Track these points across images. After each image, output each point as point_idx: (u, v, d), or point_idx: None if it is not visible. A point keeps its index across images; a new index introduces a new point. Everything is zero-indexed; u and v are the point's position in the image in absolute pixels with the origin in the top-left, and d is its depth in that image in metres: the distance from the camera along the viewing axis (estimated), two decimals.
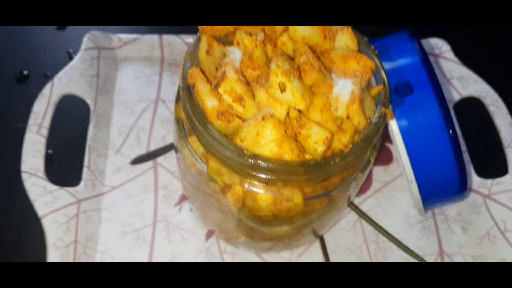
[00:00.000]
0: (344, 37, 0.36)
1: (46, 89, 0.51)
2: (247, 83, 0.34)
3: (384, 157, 0.55)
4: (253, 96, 0.34)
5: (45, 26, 0.64)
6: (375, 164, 0.55)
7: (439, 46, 0.61)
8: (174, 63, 0.60)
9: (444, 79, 0.59)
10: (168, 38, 0.59)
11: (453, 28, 0.69)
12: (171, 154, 0.53)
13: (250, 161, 0.32)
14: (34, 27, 0.64)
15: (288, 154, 0.32)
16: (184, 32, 0.59)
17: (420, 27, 0.67)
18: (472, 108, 0.57)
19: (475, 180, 0.52)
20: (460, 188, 0.41)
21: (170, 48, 0.59)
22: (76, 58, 0.54)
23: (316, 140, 0.32)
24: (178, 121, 0.39)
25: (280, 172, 0.33)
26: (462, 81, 0.58)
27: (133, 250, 0.47)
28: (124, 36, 0.58)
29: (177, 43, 0.59)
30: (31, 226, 0.47)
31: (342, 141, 0.34)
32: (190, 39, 0.59)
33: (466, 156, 0.54)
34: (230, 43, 0.38)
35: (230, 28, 0.36)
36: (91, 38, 0.56)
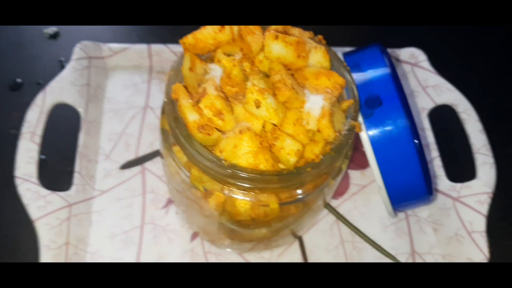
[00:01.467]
0: (317, 55, 0.39)
1: (39, 98, 0.53)
2: (226, 99, 0.37)
3: (361, 161, 0.58)
4: (232, 111, 0.37)
5: (38, 35, 0.66)
6: (352, 168, 0.58)
7: (415, 55, 0.64)
8: (163, 71, 0.62)
9: (420, 87, 0.62)
10: (157, 47, 0.61)
11: (429, 38, 0.72)
12: (159, 159, 0.56)
13: (228, 170, 0.35)
14: (27, 36, 0.66)
15: (263, 164, 0.35)
16: (172, 42, 0.62)
17: (398, 37, 0.70)
18: (445, 115, 0.59)
19: (446, 184, 0.55)
20: (426, 193, 0.44)
21: (159, 57, 0.62)
22: (68, 68, 0.57)
23: (288, 152, 0.35)
24: (163, 131, 0.41)
25: (257, 181, 0.36)
26: (436, 90, 0.61)
27: (122, 251, 0.50)
28: (114, 46, 0.61)
29: (165, 52, 0.61)
30: (24, 229, 0.49)
31: (314, 152, 0.37)
32: (178, 48, 0.61)
33: (438, 161, 0.57)
34: (212, 59, 0.40)
35: (211, 46, 0.39)
36: (82, 48, 0.59)
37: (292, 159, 0.35)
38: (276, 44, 0.36)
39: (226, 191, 0.38)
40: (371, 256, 0.52)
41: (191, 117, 0.36)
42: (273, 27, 0.40)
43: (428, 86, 0.61)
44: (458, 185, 0.54)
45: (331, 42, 0.43)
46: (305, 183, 0.38)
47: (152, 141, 0.57)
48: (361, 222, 0.54)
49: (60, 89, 0.55)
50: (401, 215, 0.55)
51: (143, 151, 0.56)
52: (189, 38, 0.39)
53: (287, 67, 0.38)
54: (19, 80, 0.62)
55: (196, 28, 0.39)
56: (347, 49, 0.60)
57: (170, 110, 0.37)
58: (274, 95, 0.36)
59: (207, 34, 0.38)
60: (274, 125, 0.36)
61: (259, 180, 0.36)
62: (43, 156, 0.54)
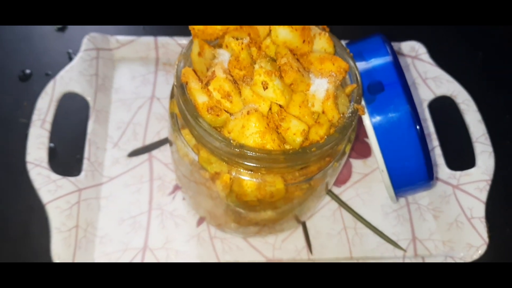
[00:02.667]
0: (321, 41, 0.40)
1: (49, 87, 0.54)
2: (234, 82, 0.38)
3: (363, 151, 0.60)
4: (239, 93, 0.38)
5: (47, 28, 0.67)
6: (354, 157, 0.59)
7: (416, 49, 0.65)
8: (169, 63, 0.64)
9: (420, 79, 0.63)
10: (163, 39, 0.63)
11: (429, 32, 0.73)
12: (165, 147, 0.57)
13: (236, 150, 0.36)
14: (36, 29, 0.67)
15: (270, 144, 0.37)
16: (177, 34, 0.63)
17: (399, 31, 0.71)
18: (445, 106, 0.61)
19: (446, 172, 0.56)
20: (427, 178, 0.45)
21: (165, 49, 0.63)
22: (77, 58, 0.58)
23: (295, 132, 0.36)
24: (172, 115, 0.43)
25: (263, 160, 0.37)
26: (436, 81, 0.62)
27: (130, 235, 0.51)
28: (122, 38, 0.62)
29: (171, 45, 0.63)
30: (35, 213, 0.51)
31: (319, 133, 0.38)
32: (183, 40, 0.63)
33: (438, 150, 0.59)
34: (220, 46, 0.42)
35: (219, 32, 0.40)
36: (90, 39, 0.60)
37: (298, 139, 0.36)
38: (282, 29, 0.38)
39: (233, 172, 0.40)
40: (373, 242, 0.53)
41: (200, 99, 0.37)
42: None
43: (428, 78, 0.63)
44: (458, 173, 0.56)
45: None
46: (309, 164, 0.40)
47: (159, 130, 0.58)
48: (363, 209, 0.55)
49: (69, 79, 0.56)
50: (402, 202, 0.56)
51: (150, 139, 0.57)
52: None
53: (292, 52, 0.39)
54: (28, 71, 0.63)
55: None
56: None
57: (180, 93, 0.39)
58: (281, 77, 0.37)
59: None
60: (281, 106, 0.37)
61: (266, 160, 0.37)
62: (52, 144, 0.55)
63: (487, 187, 0.53)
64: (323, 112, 0.38)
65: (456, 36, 0.74)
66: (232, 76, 0.38)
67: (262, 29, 0.38)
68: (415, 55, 0.65)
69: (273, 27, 0.38)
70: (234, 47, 0.37)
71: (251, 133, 0.36)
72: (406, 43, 0.66)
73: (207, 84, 0.38)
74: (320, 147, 0.37)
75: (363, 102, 0.43)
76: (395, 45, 0.66)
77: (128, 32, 0.67)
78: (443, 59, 0.64)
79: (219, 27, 0.40)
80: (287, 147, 0.38)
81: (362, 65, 0.45)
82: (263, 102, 0.37)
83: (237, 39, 0.38)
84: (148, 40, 0.63)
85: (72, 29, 0.68)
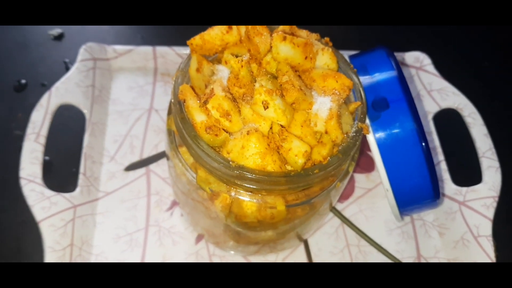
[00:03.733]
0: (324, 57, 0.39)
1: (44, 99, 0.53)
2: (234, 100, 0.36)
3: (366, 164, 0.58)
4: (239, 111, 0.36)
5: (43, 37, 0.66)
6: (357, 171, 0.58)
7: (420, 59, 0.64)
8: (167, 73, 0.62)
9: (425, 91, 0.62)
10: (161, 49, 0.61)
11: (434, 42, 0.72)
12: (163, 161, 0.56)
13: (235, 172, 0.35)
14: (32, 37, 0.66)
15: (271, 165, 0.35)
16: (176, 44, 0.62)
17: (403, 40, 0.70)
18: (450, 119, 0.60)
19: (451, 188, 0.55)
20: (433, 197, 0.43)
21: (163, 59, 0.62)
22: (73, 69, 0.57)
23: (296, 153, 0.35)
24: (169, 132, 0.41)
25: (264, 182, 0.36)
26: (441, 93, 0.61)
27: (126, 253, 0.49)
28: (119, 48, 0.61)
29: (170, 55, 0.61)
30: (28, 230, 0.49)
31: (321, 154, 0.36)
32: (182, 50, 0.61)
33: (443, 165, 0.57)
34: (219, 61, 0.40)
35: (218, 47, 0.39)
36: (87, 49, 0.59)
37: (300, 161, 0.35)
38: (284, 46, 0.36)
39: (232, 193, 0.38)
40: (377, 260, 0.52)
41: (198, 117, 0.36)
42: (281, 28, 0.40)
43: (433, 90, 0.61)
44: (464, 189, 0.54)
45: (336, 45, 0.43)
46: (312, 185, 0.38)
47: (157, 143, 0.57)
48: (366, 225, 0.54)
49: (65, 90, 0.55)
50: (407, 218, 0.55)
51: (148, 153, 0.56)
52: (196, 39, 0.38)
53: (294, 69, 0.38)
54: (23, 81, 0.62)
55: (200, 28, 0.39)
56: (352, 52, 0.60)
57: (177, 111, 0.37)
58: (282, 96, 0.35)
59: (215, 35, 0.38)
60: (282, 126, 0.36)
61: (266, 182, 0.35)
62: (47, 157, 0.54)
63: (494, 204, 0.52)
64: (326, 132, 0.37)
65: (462, 47, 0.73)
66: (231, 94, 0.37)
67: (263, 45, 0.37)
68: (420, 66, 0.63)
69: (274, 43, 0.36)
70: (234, 65, 0.36)
71: (251, 154, 0.35)
72: (410, 53, 0.64)
73: (205, 102, 0.36)
74: (323, 168, 0.36)
75: (367, 120, 0.41)
76: (399, 55, 0.64)
77: (125, 41, 0.66)
78: (449, 70, 0.63)
79: (218, 42, 0.38)
80: (289, 168, 0.36)
81: (366, 79, 0.44)
82: (264, 121, 0.36)
83: (236, 56, 0.37)
84: (146, 50, 0.61)
85: (69, 37, 0.66)
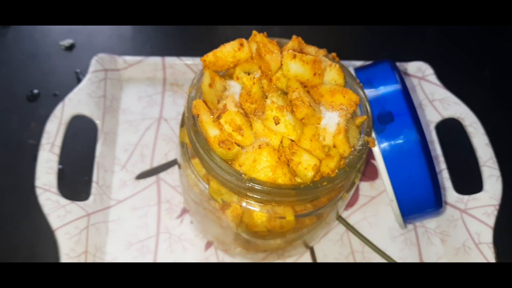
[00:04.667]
0: (332, 73, 0.41)
1: (58, 110, 0.55)
2: (246, 115, 0.38)
3: (370, 173, 0.60)
4: (251, 126, 0.38)
5: (54, 47, 0.68)
6: (362, 180, 0.59)
7: (422, 69, 0.65)
8: (176, 83, 0.64)
9: (427, 101, 0.63)
10: (170, 60, 0.63)
11: (437, 52, 0.74)
12: (173, 169, 0.57)
13: (247, 184, 0.37)
14: (43, 47, 0.67)
15: (281, 178, 0.37)
16: (185, 55, 0.63)
17: (406, 51, 0.72)
18: (452, 128, 0.61)
19: (453, 196, 0.56)
20: (436, 206, 0.45)
21: (172, 70, 0.63)
22: (85, 80, 0.58)
23: (306, 166, 0.37)
24: (182, 145, 0.43)
25: (274, 194, 0.37)
26: (443, 103, 0.62)
27: (138, 259, 0.51)
28: (129, 58, 0.62)
29: (179, 65, 0.63)
30: (43, 238, 0.51)
31: (330, 166, 0.38)
32: (190, 61, 0.63)
33: (445, 173, 0.59)
34: (230, 76, 0.42)
35: (230, 64, 0.40)
36: (98, 60, 0.60)
37: (310, 174, 0.36)
38: (294, 63, 0.38)
39: (243, 203, 0.40)
40: None
41: (212, 132, 0.37)
42: (290, 45, 0.42)
43: (435, 100, 0.63)
44: (465, 197, 0.56)
45: (341, 55, 0.45)
46: (320, 197, 0.40)
47: (167, 151, 0.58)
48: (370, 232, 0.55)
49: (77, 101, 0.56)
50: (410, 226, 0.56)
51: (158, 161, 0.58)
52: (209, 56, 0.40)
53: (303, 85, 0.39)
54: (36, 91, 0.63)
55: (208, 41, 0.41)
56: (357, 62, 0.62)
57: (191, 124, 0.39)
58: (292, 112, 0.37)
59: (227, 52, 0.40)
60: (292, 140, 0.37)
61: (276, 194, 0.37)
62: (60, 166, 0.55)
63: (495, 212, 0.53)
64: (334, 146, 0.38)
65: (464, 57, 0.74)
66: (243, 109, 0.38)
67: (274, 62, 0.38)
68: (422, 76, 0.65)
69: (284, 61, 0.38)
70: (246, 83, 0.37)
71: (262, 167, 0.37)
72: (413, 63, 0.66)
73: (218, 117, 0.38)
74: (331, 181, 0.37)
75: (373, 134, 0.43)
76: (401, 65, 0.66)
77: (134, 51, 0.67)
78: (451, 80, 0.64)
79: (230, 59, 0.40)
80: (298, 180, 0.38)
81: (371, 93, 0.45)
82: (275, 136, 0.37)
83: (248, 73, 0.39)
84: (156, 60, 0.63)
85: (79, 48, 0.68)
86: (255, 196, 0.38)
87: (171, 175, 0.57)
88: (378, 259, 0.54)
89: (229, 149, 0.37)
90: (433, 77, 0.64)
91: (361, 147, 0.40)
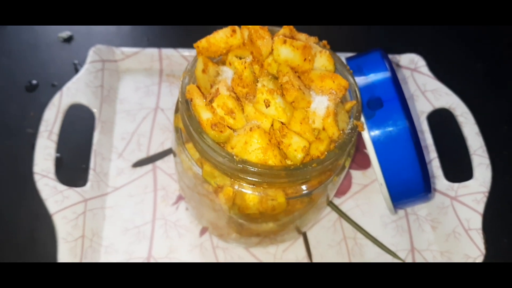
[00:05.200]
0: (322, 59, 0.42)
1: (56, 99, 0.56)
2: (237, 99, 0.39)
3: (363, 162, 0.61)
4: (242, 110, 0.39)
5: (52, 38, 0.69)
6: (354, 168, 0.60)
7: (415, 61, 0.66)
8: (172, 74, 0.65)
9: (419, 92, 0.64)
10: (167, 51, 0.64)
11: (428, 44, 0.75)
12: (169, 158, 0.58)
13: (239, 165, 0.38)
14: (42, 39, 0.69)
15: (272, 160, 0.38)
16: (181, 46, 0.64)
17: (399, 44, 0.73)
18: (443, 118, 0.62)
19: (444, 184, 0.57)
20: (424, 191, 0.46)
21: (169, 61, 0.64)
22: (83, 70, 0.59)
23: (296, 148, 0.38)
24: (176, 130, 0.44)
25: (265, 175, 0.38)
26: (435, 94, 0.63)
27: (134, 245, 0.52)
28: (126, 50, 0.64)
29: (175, 56, 0.64)
30: (42, 223, 0.52)
31: (319, 149, 0.39)
32: (186, 52, 0.64)
33: (436, 162, 0.60)
34: (223, 62, 0.43)
35: (223, 50, 0.41)
36: (96, 51, 0.61)
37: (299, 155, 0.37)
38: (284, 48, 0.39)
39: (236, 186, 0.41)
40: (372, 252, 0.54)
41: (204, 115, 0.39)
42: (281, 31, 0.43)
43: (427, 91, 0.64)
44: (456, 185, 0.57)
45: (334, 48, 0.46)
46: (310, 179, 0.41)
47: (163, 140, 0.59)
48: (362, 219, 0.56)
49: (75, 90, 0.57)
50: (401, 213, 0.57)
51: (154, 150, 0.59)
52: (202, 42, 0.41)
53: (294, 70, 0.40)
54: (34, 81, 0.64)
55: (203, 31, 0.42)
56: (349, 54, 0.63)
57: (185, 109, 0.40)
58: (283, 95, 0.38)
59: (219, 38, 0.41)
60: (282, 123, 0.38)
61: (267, 175, 0.38)
62: (58, 154, 0.56)
63: (484, 199, 0.54)
64: (324, 129, 0.39)
65: (455, 49, 0.75)
66: (235, 93, 0.39)
67: (265, 47, 0.39)
68: (414, 68, 0.66)
69: (275, 46, 0.39)
70: (238, 66, 0.39)
71: (253, 149, 0.38)
72: (406, 55, 0.67)
73: (211, 101, 0.39)
74: (321, 162, 0.39)
75: (362, 119, 0.44)
76: (394, 57, 0.67)
77: (132, 43, 0.68)
78: (442, 71, 0.65)
79: (222, 45, 0.41)
80: (289, 162, 0.39)
81: (361, 80, 0.46)
82: (265, 119, 0.38)
83: (240, 58, 0.40)
84: (153, 51, 0.64)
85: (77, 40, 0.69)
86: (247, 178, 0.39)
87: (167, 163, 0.58)
88: (370, 245, 0.55)
89: (221, 131, 0.38)
90: (425, 69, 0.65)
91: (350, 131, 0.41)
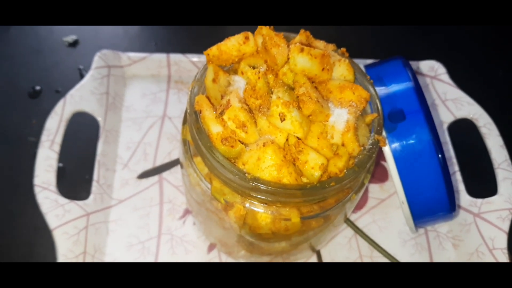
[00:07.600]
0: (341, 68, 0.39)
1: (58, 107, 0.53)
2: (250, 111, 0.36)
3: (380, 175, 0.58)
4: (255, 123, 0.36)
5: (57, 43, 0.66)
6: (371, 181, 0.57)
7: (435, 69, 0.63)
8: (181, 81, 0.62)
9: (439, 101, 0.61)
10: (175, 57, 0.61)
11: (449, 51, 0.71)
12: (176, 169, 0.56)
13: (251, 183, 0.35)
14: (46, 43, 0.66)
15: (287, 178, 0.35)
16: (190, 52, 0.62)
17: (418, 49, 0.70)
18: (465, 129, 0.59)
19: (466, 199, 0.54)
20: (449, 210, 0.43)
21: (177, 67, 0.62)
22: (87, 76, 0.57)
23: (313, 166, 0.35)
24: (184, 142, 0.41)
25: (279, 194, 0.35)
26: (456, 103, 0.60)
27: (139, 261, 0.49)
28: (133, 55, 0.61)
29: (184, 62, 0.61)
30: (41, 236, 0.50)
31: (338, 166, 0.36)
32: (196, 58, 0.61)
33: (458, 176, 0.56)
34: (234, 71, 0.40)
35: (235, 58, 0.39)
36: (101, 56, 0.59)
37: (317, 173, 0.35)
38: (301, 57, 0.36)
39: (247, 204, 0.38)
40: None
41: (214, 129, 0.36)
42: (297, 38, 0.40)
43: (447, 100, 0.61)
44: (479, 200, 0.53)
45: (351, 54, 0.43)
46: (327, 198, 0.38)
47: (170, 150, 0.57)
48: (379, 236, 0.53)
49: (79, 98, 0.55)
50: (421, 230, 0.54)
51: (161, 160, 0.56)
52: (213, 50, 0.38)
53: (311, 80, 0.38)
54: (38, 87, 0.62)
55: (213, 37, 0.39)
56: (368, 61, 0.60)
57: (193, 121, 0.37)
58: (299, 108, 0.35)
59: (231, 45, 0.38)
60: (298, 138, 0.35)
61: (281, 194, 0.35)
62: (61, 164, 0.54)
63: (510, 217, 0.51)
64: (343, 145, 0.36)
65: (477, 56, 0.72)
66: (247, 105, 0.36)
67: (280, 56, 0.37)
68: (434, 75, 0.63)
69: (291, 54, 0.36)
70: (251, 76, 0.36)
71: (266, 166, 0.35)
72: (425, 62, 0.64)
73: (221, 113, 0.36)
74: (339, 181, 0.36)
75: (383, 133, 0.41)
76: (413, 63, 0.64)
77: (139, 48, 0.66)
78: (463, 80, 0.62)
79: (234, 53, 0.38)
80: (304, 180, 0.36)
81: (382, 90, 0.43)
82: (280, 133, 0.35)
83: (253, 67, 0.37)
84: (160, 57, 0.62)
85: (83, 44, 0.67)
86: (259, 196, 0.36)
87: (174, 175, 0.55)
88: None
89: (232, 146, 0.35)
90: (445, 76, 0.62)
91: (371, 146, 0.38)
